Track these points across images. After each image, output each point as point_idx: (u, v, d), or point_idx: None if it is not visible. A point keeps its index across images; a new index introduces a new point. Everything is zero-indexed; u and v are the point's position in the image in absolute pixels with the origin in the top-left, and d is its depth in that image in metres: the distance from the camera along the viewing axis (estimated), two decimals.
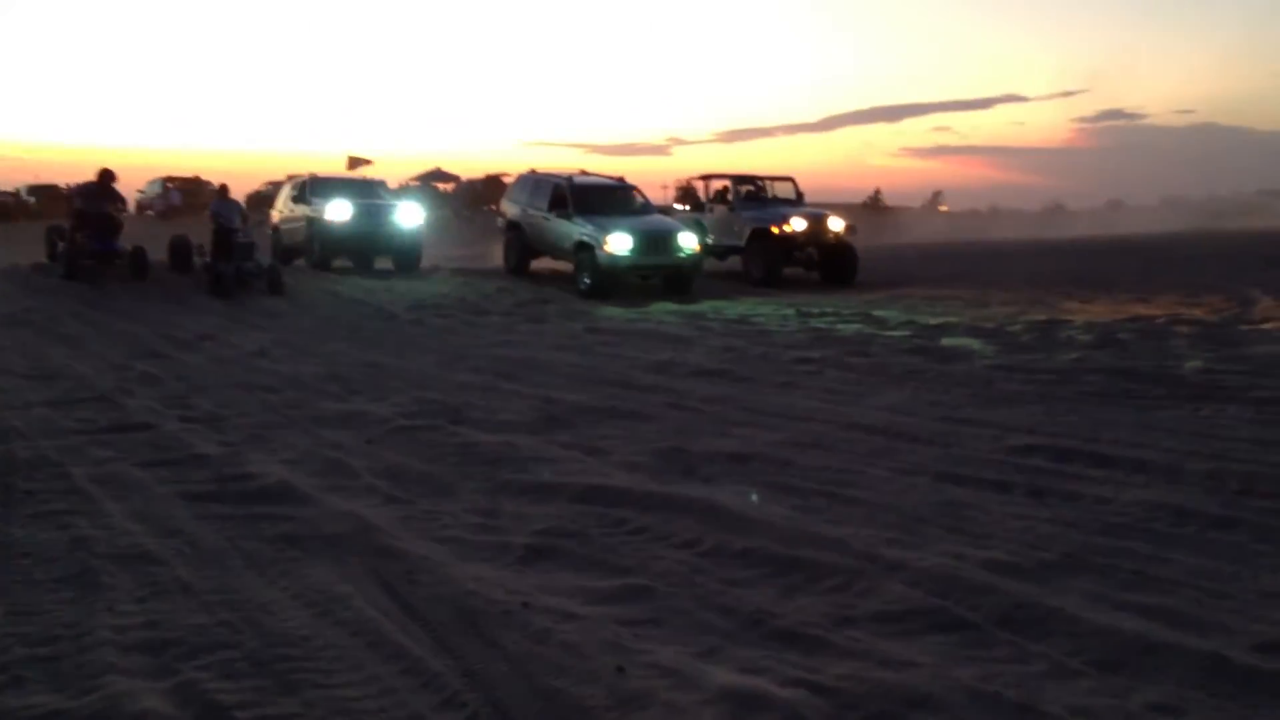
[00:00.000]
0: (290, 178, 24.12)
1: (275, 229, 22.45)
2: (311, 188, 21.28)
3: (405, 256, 20.92)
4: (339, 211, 20.07)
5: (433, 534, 5.59)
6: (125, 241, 18.42)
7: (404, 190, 40.94)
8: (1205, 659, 3.81)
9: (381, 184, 23.71)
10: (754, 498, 5.01)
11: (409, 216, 20.93)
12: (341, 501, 6.13)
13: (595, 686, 3.67)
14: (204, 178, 49.68)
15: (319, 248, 20.55)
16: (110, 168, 18.21)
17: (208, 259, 18.26)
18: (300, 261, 21.58)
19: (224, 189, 19.41)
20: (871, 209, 65.26)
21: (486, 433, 7.89)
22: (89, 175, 18.34)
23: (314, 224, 20.42)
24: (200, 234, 19.10)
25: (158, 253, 19.29)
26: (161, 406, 9.02)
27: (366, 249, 20.77)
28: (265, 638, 4.18)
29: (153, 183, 50.24)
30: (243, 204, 20.42)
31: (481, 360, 11.64)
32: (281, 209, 22.52)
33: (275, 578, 4.93)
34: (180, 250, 19.37)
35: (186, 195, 46.97)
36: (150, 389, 9.93)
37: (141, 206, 47.07)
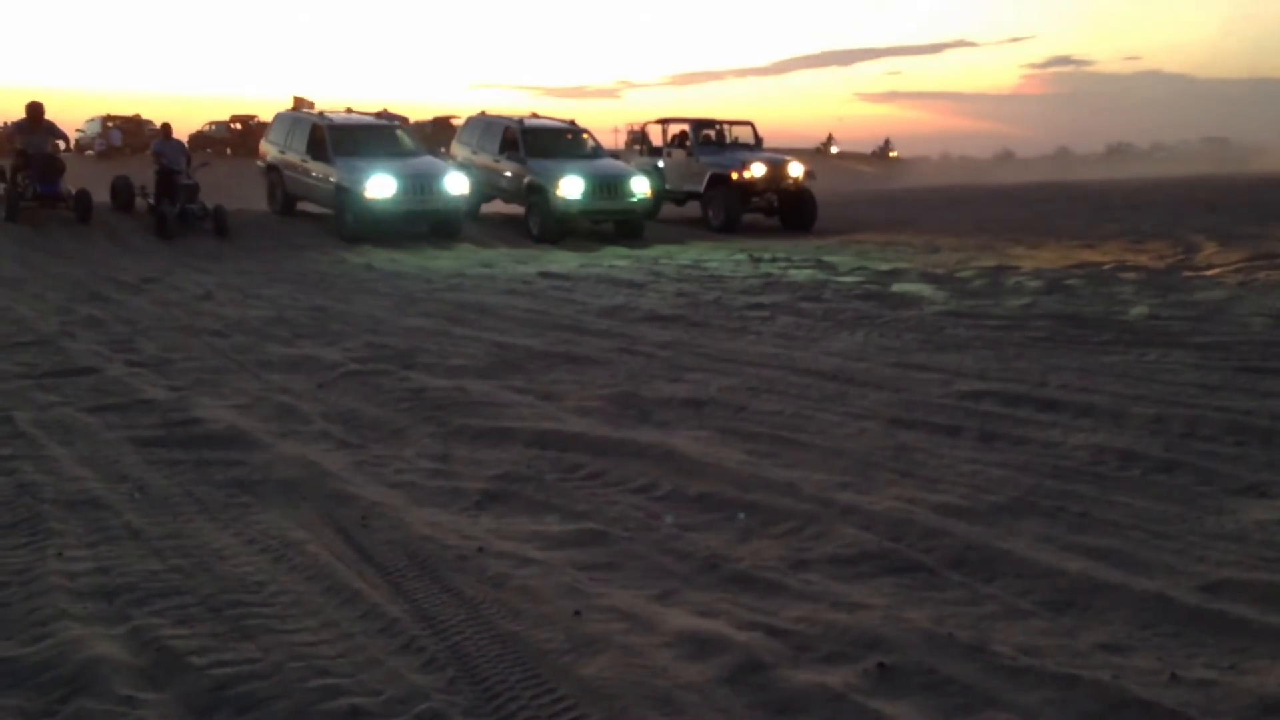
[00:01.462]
0: (300, 103, 22.52)
1: (273, 168, 20.27)
2: (334, 141, 18.48)
3: (448, 228, 18.60)
4: (381, 188, 17.53)
5: (386, 479, 5.56)
6: (68, 183, 17.97)
7: None
8: (1151, 599, 3.89)
9: (408, 132, 21.14)
10: (741, 516, 4.86)
11: (456, 184, 18.40)
12: (293, 447, 6.08)
13: (552, 630, 3.68)
14: (145, 117, 48.61)
15: (352, 221, 17.88)
16: (38, 100, 17.67)
17: (151, 200, 17.90)
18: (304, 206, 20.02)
19: (167, 128, 18.97)
20: (880, 158, 65.05)
21: (438, 377, 7.84)
22: (21, 114, 17.78)
23: (347, 196, 17.79)
24: (143, 174, 18.71)
25: (99, 194, 18.85)
26: (106, 350, 8.87)
27: (409, 226, 18.37)
28: (219, 583, 4.14)
29: (92, 121, 48.99)
30: (185, 144, 19.97)
31: (432, 305, 11.55)
32: (286, 152, 19.82)
33: (228, 523, 4.88)
34: (122, 191, 18.95)
35: (127, 135, 45.94)
36: (94, 332, 9.77)
37: (81, 146, 45.96)
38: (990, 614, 3.85)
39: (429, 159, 19.27)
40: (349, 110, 20.74)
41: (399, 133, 20.01)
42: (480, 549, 4.46)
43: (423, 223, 18.41)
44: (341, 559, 4.41)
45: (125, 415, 6.78)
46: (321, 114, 19.85)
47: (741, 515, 4.86)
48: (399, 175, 17.63)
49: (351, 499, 5.16)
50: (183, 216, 17.44)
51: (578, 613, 3.81)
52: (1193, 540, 4.51)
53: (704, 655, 3.49)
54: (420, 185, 17.89)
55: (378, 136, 19.43)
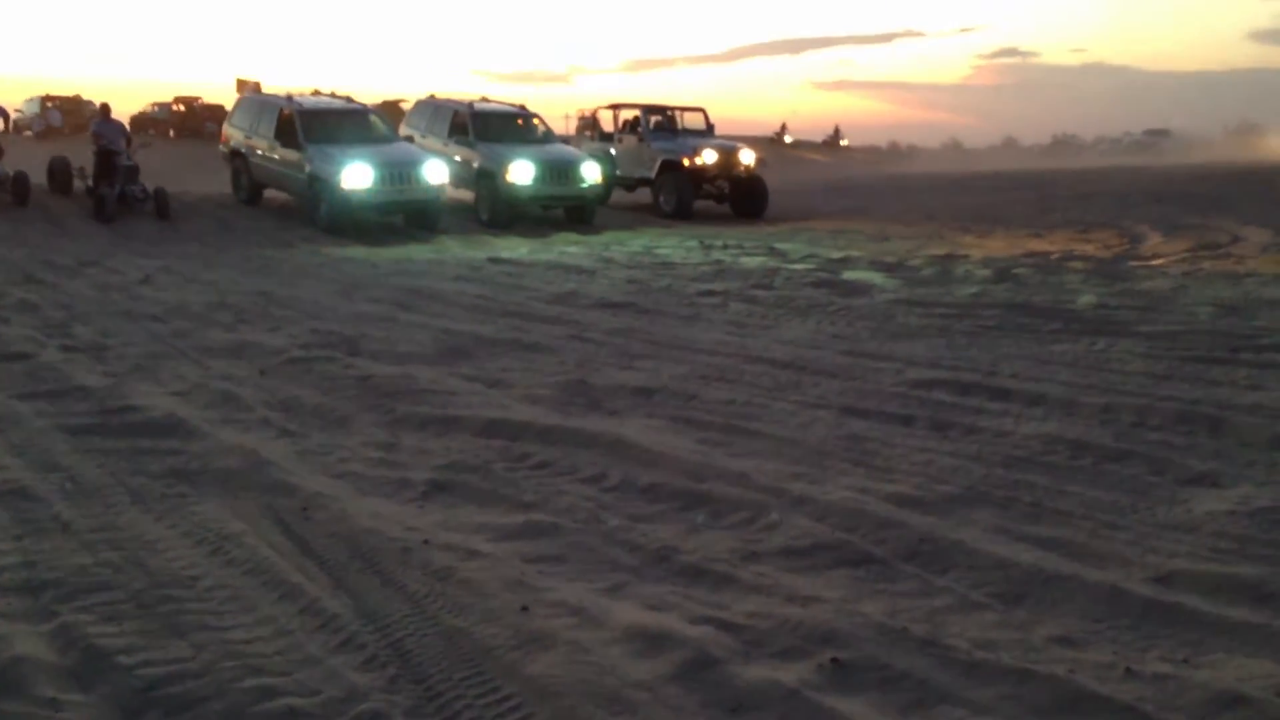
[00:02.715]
0: (245, 88, 20.80)
1: (237, 153, 19.31)
2: (305, 127, 17.49)
3: (428, 219, 17.69)
4: (359, 177, 16.61)
5: (329, 469, 5.42)
6: (5, 165, 17.47)
7: None
8: (1104, 591, 3.86)
9: (381, 116, 19.72)
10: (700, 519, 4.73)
11: (435, 173, 17.45)
12: (233, 435, 5.91)
13: (499, 626, 3.58)
14: (85, 97, 47.56)
15: (328, 213, 16.89)
16: None
17: (90, 182, 17.47)
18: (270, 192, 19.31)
19: (105, 108, 18.50)
20: (831, 146, 64.82)
21: (385, 364, 7.69)
22: None
23: (322, 186, 16.85)
24: (83, 155, 18.24)
25: (38, 176, 18.36)
26: (41, 335, 8.61)
27: (387, 215, 17.62)
28: (151, 578, 3.99)
29: (30, 101, 47.84)
30: (126, 125, 19.49)
31: (380, 290, 11.36)
32: (252, 137, 18.86)
33: (162, 514, 4.73)
34: (60, 172, 18.48)
35: (67, 115, 44.92)
36: (29, 316, 9.49)
37: (20, 126, 44.77)
38: (944, 607, 3.80)
39: (405, 145, 18.36)
40: (316, 93, 19.82)
41: (372, 118, 19.02)
42: (425, 541, 4.35)
43: (401, 213, 17.63)
44: (280, 552, 4.27)
45: (59, 402, 6.57)
46: (290, 97, 18.62)
47: (700, 518, 4.74)
48: (377, 163, 16.74)
49: (293, 489, 5.01)
50: (122, 199, 17.04)
51: (525, 608, 3.71)
52: (1145, 531, 4.50)
53: (654, 651, 3.41)
54: (399, 174, 17.01)
55: (350, 121, 18.36)
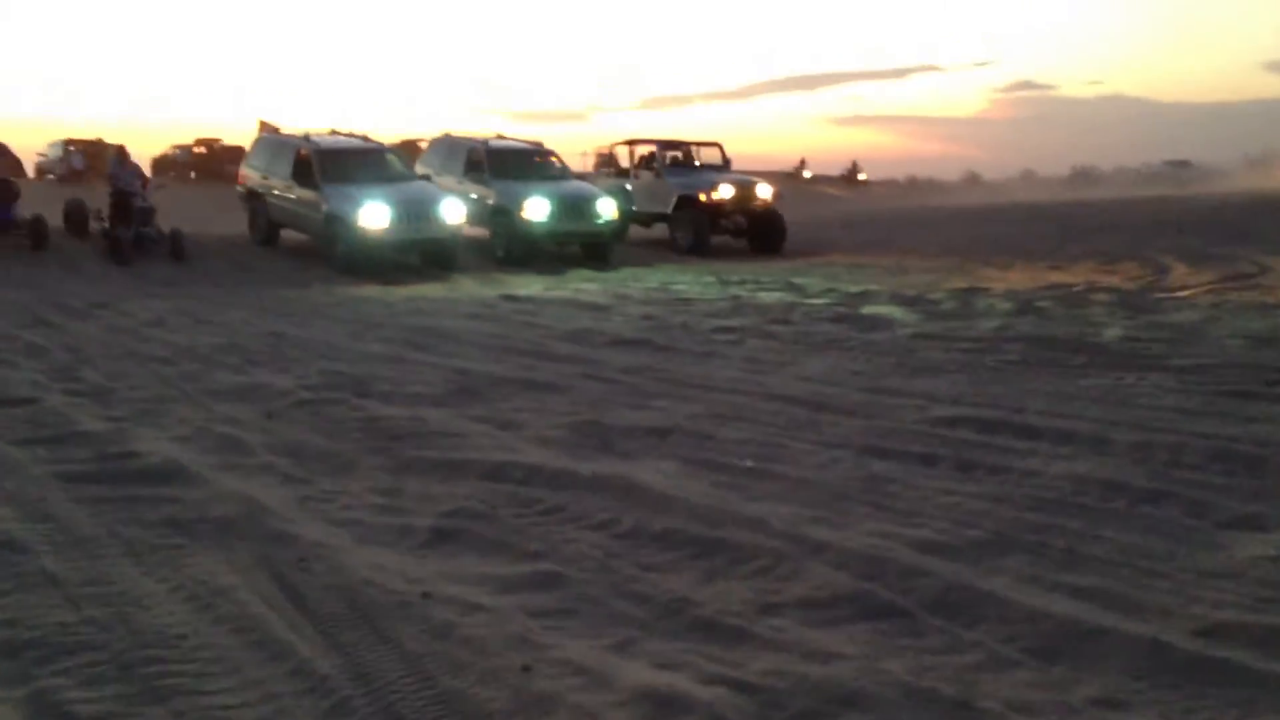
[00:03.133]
0: (266, 129, 20.86)
1: (254, 194, 19.24)
2: (322, 167, 17.43)
3: (445, 258, 17.56)
4: (376, 216, 16.48)
5: (330, 516, 5.22)
6: (24, 208, 17.45)
7: None
8: (1145, 646, 3.61)
9: (396, 155, 19.73)
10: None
11: (453, 212, 17.31)
12: (233, 482, 5.73)
13: (498, 688, 3.36)
14: (107, 141, 47.93)
15: (345, 252, 16.79)
16: None
17: (105, 224, 17.46)
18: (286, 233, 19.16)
19: (122, 151, 18.53)
20: (849, 181, 64.38)
21: (393, 406, 7.51)
22: None
23: (338, 224, 16.76)
24: (103, 199, 18.23)
25: (57, 218, 18.37)
26: (46, 379, 8.48)
27: (404, 254, 17.50)
28: (136, 637, 3.79)
29: (54, 145, 48.21)
30: (141, 167, 19.49)
31: (392, 330, 11.21)
32: (269, 177, 18.78)
33: (154, 567, 4.53)
34: (76, 214, 18.48)
35: (89, 159, 45.22)
36: (36, 360, 9.37)
37: (42, 170, 45.27)
38: (974, 664, 3.56)
39: (422, 184, 18.25)
40: (334, 132, 19.81)
41: (389, 156, 18.97)
42: (425, 594, 4.14)
43: (418, 252, 17.49)
44: (273, 607, 4.07)
45: (58, 448, 6.40)
46: (307, 136, 18.60)
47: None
48: (394, 202, 16.66)
49: (291, 539, 4.82)
50: (138, 241, 17.01)
51: (527, 668, 3.50)
52: (1185, 578, 4.24)
53: (664, 716, 3.18)
54: (416, 213, 16.90)
55: (368, 160, 18.31)
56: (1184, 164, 62.87)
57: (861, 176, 66.00)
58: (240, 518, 5.12)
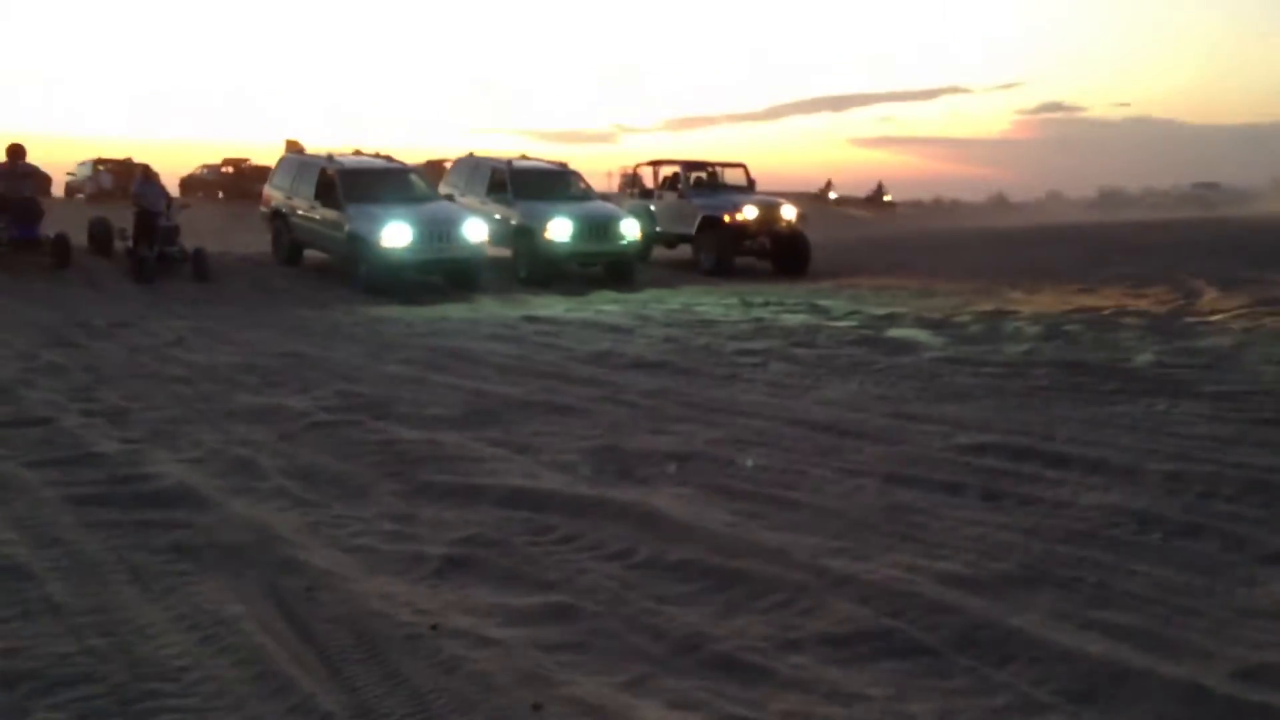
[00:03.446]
0: (293, 149, 20.88)
1: (278, 214, 19.15)
2: (345, 186, 17.34)
3: (468, 278, 17.34)
4: (399, 236, 16.36)
5: (341, 543, 5.12)
6: (49, 227, 17.50)
7: None
8: (1182, 689, 3.46)
9: (421, 175, 19.51)
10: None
11: (475, 232, 17.16)
12: (245, 506, 5.64)
13: None
14: (136, 160, 48.29)
15: (367, 272, 16.69)
16: (19, 143, 17.29)
17: (129, 243, 17.49)
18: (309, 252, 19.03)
19: (147, 170, 18.57)
20: (874, 202, 63.85)
21: (410, 428, 7.41)
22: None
23: (360, 244, 16.68)
24: (127, 217, 18.27)
25: (83, 236, 18.42)
26: (64, 399, 8.42)
27: (426, 274, 17.29)
28: (136, 669, 3.69)
29: (83, 165, 48.68)
30: (166, 186, 19.52)
31: (411, 351, 11.13)
32: (293, 197, 18.71)
33: (159, 595, 4.44)
34: (100, 233, 18.52)
35: (118, 178, 45.59)
36: (54, 380, 9.32)
37: (71, 189, 45.67)
38: (1004, 707, 3.42)
39: (445, 204, 18.17)
40: (357, 152, 19.73)
41: (412, 176, 18.85)
42: (434, 626, 4.02)
43: (441, 272, 17.44)
44: (278, 639, 3.96)
45: (70, 470, 6.33)
46: (330, 157, 18.61)
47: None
48: (416, 222, 16.52)
49: (300, 567, 4.71)
50: (161, 260, 17.03)
51: (537, 706, 3.37)
52: (1224, 617, 4.08)
53: None
54: (438, 232, 16.80)
55: (390, 181, 18.17)
56: (1212, 186, 62.33)
57: (887, 198, 65.62)
58: (249, 544, 5.03)
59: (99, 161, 48.06)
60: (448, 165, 23.89)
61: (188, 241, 17.77)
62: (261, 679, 3.61)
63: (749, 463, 5.25)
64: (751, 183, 22.95)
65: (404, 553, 4.96)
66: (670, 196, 22.06)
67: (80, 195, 44.45)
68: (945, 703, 3.43)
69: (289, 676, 3.61)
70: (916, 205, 70.48)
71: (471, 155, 21.22)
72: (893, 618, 4.08)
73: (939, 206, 72.02)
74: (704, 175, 22.75)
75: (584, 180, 20.62)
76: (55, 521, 5.36)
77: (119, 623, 4.11)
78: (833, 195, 61.86)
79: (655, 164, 23.24)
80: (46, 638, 3.95)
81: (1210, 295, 15.28)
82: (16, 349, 10.93)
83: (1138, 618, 4.06)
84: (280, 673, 3.64)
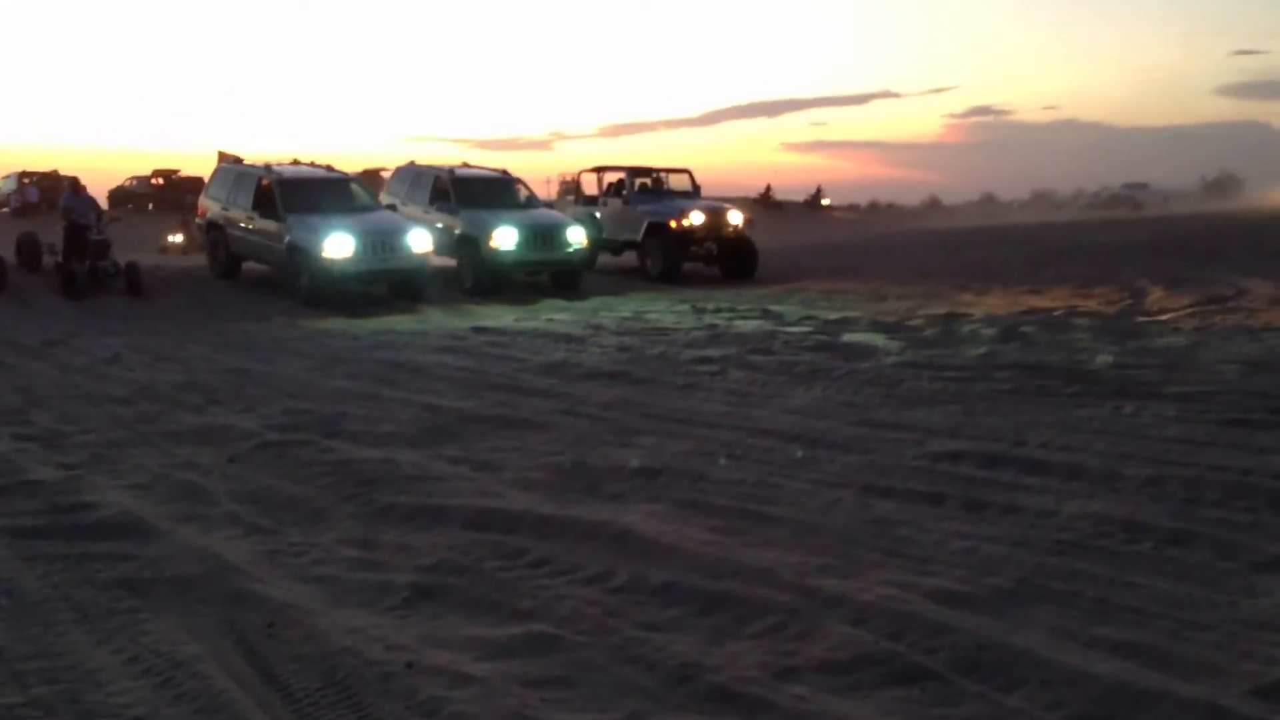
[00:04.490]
0: (225, 160, 20.26)
1: (214, 225, 18.70)
2: (284, 197, 16.95)
3: (413, 289, 17.09)
4: (340, 247, 16.01)
5: (301, 573, 4.85)
6: None
7: None
8: (1201, 710, 3.31)
9: (362, 185, 19.27)
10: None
11: (419, 241, 16.86)
12: (195, 535, 5.34)
13: None
14: (63, 173, 47.13)
15: (309, 284, 16.30)
16: None
17: (59, 258, 16.92)
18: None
19: (75, 182, 18.02)
20: (813, 206, 63.98)
21: (365, 447, 7.13)
22: None
23: (301, 256, 16.32)
24: (57, 232, 17.67)
25: (9, 252, 17.78)
26: None
27: (369, 285, 17.02)
28: None
29: (8, 178, 47.40)
30: (96, 199, 18.92)
31: (359, 365, 10.80)
32: (230, 208, 18.23)
33: (108, 636, 4.14)
34: (28, 248, 17.92)
35: (44, 191, 44.46)
36: None
37: None
38: None
39: (387, 214, 17.78)
40: (295, 162, 19.30)
41: (353, 186, 18.46)
42: (409, 664, 3.77)
43: (385, 283, 17.06)
44: (240, 682, 3.69)
45: (4, 500, 5.97)
46: (269, 166, 18.12)
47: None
48: (358, 233, 16.14)
49: (258, 600, 4.43)
50: (93, 274, 16.49)
51: None
52: (1231, 630, 3.95)
53: None
54: (382, 243, 16.45)
55: (331, 191, 17.76)
56: (1142, 186, 63.23)
57: (825, 201, 66.00)
58: (202, 576, 4.74)
59: (24, 174, 46.83)
60: (384, 174, 23.52)
61: (120, 255, 17.24)
62: None
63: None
64: (696, 188, 22.81)
65: (369, 582, 4.70)
66: (615, 203, 21.84)
67: (4, 209, 43.27)
68: None
69: None
70: (853, 209, 70.97)
71: (412, 164, 20.85)
72: (892, 640, 3.90)
73: (875, 210, 72.58)
74: (649, 181, 22.56)
75: (528, 187, 20.36)
76: None
77: (65, 669, 3.81)
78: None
79: (599, 170, 23.02)
80: None
81: (1157, 294, 15.38)
82: None
83: (1143, 633, 3.92)
84: None
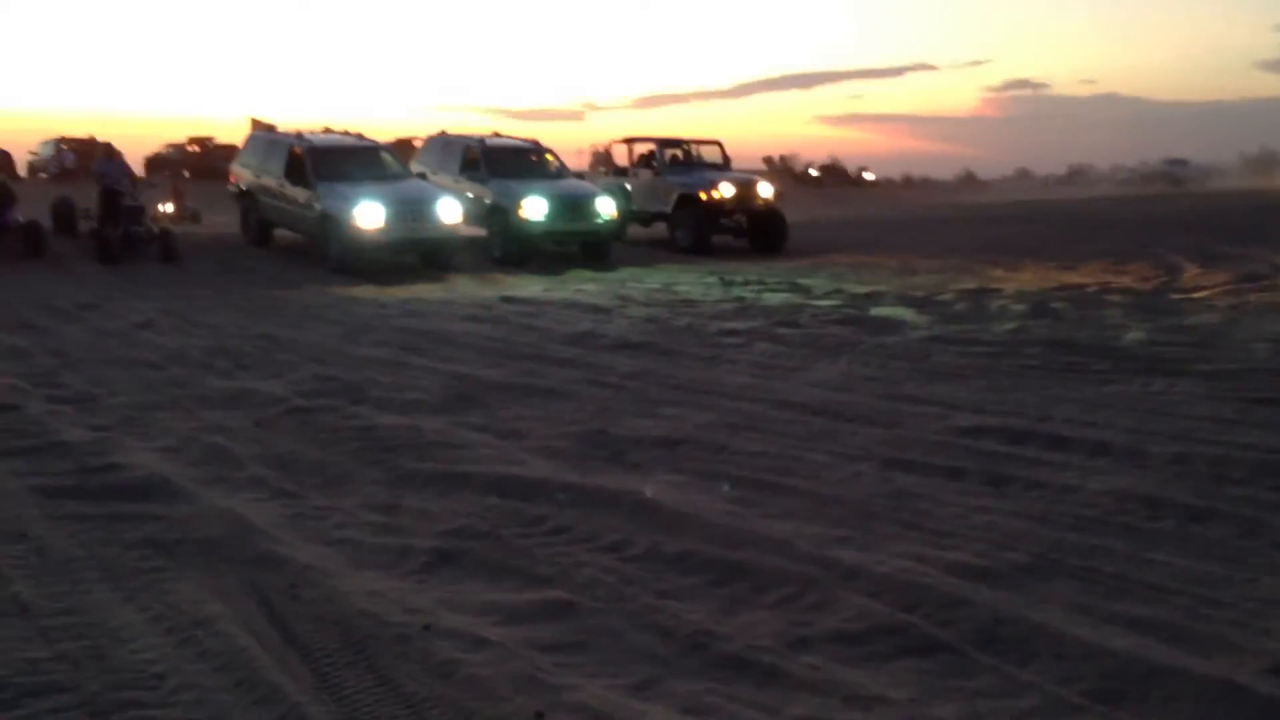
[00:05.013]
0: (258, 128, 20.36)
1: (246, 193, 18.96)
2: (315, 165, 17.08)
3: (441, 258, 17.22)
4: (371, 215, 16.12)
5: (324, 536, 4.90)
6: (18, 214, 16.99)
7: None
8: (1217, 687, 3.29)
9: (393, 153, 19.24)
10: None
11: (449, 211, 16.92)
12: (221, 497, 5.40)
13: None
14: (100, 139, 47.46)
15: (339, 252, 16.51)
16: None
17: (94, 223, 17.08)
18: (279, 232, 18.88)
19: (109, 148, 18.20)
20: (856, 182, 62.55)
21: (390, 414, 7.18)
22: None
23: (333, 224, 16.44)
24: (91, 197, 17.84)
25: (45, 219, 17.97)
26: (28, 385, 8.12)
27: (399, 254, 17.20)
28: (110, 676, 3.46)
29: (46, 144, 47.77)
30: (130, 165, 19.05)
31: (387, 332, 10.87)
32: (262, 176, 18.46)
33: (134, 593, 4.20)
34: (64, 213, 18.12)
35: (81, 157, 44.79)
36: (17, 364, 9.02)
37: (34, 169, 44.82)
38: (1032, 709, 3.24)
39: (418, 183, 17.89)
40: (328, 130, 19.36)
41: (384, 155, 18.57)
42: (426, 627, 3.80)
43: (414, 251, 17.18)
44: (261, 641, 3.73)
45: (36, 460, 6.06)
46: (300, 134, 18.19)
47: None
48: (388, 201, 16.30)
49: (281, 562, 4.48)
50: (127, 240, 16.63)
51: (540, 715, 3.17)
52: (1250, 608, 3.92)
53: None
54: (411, 212, 16.55)
55: (362, 159, 17.92)
56: (1181, 163, 62.39)
57: (867, 174, 65.19)
58: (226, 537, 4.80)
59: (62, 140, 47.17)
60: (417, 144, 23.54)
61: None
62: (244, 686, 3.38)
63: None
64: (727, 160, 22.72)
65: (390, 546, 4.74)
66: (646, 174, 21.81)
67: (43, 175, 43.62)
68: (972, 705, 3.26)
69: (274, 684, 3.39)
70: (886, 183, 70.47)
71: (443, 133, 20.90)
72: (907, 612, 3.90)
73: (911, 185, 72.02)
74: (679, 153, 22.49)
75: (558, 158, 20.34)
76: (22, 515, 5.10)
77: (91, 625, 3.87)
78: (813, 172, 61.47)
79: (630, 141, 22.97)
80: (15, 642, 3.71)
81: (1192, 271, 15.21)
82: None
83: (1160, 609, 3.90)
84: (264, 680, 3.42)
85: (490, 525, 4.97)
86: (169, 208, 21.54)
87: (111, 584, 4.31)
